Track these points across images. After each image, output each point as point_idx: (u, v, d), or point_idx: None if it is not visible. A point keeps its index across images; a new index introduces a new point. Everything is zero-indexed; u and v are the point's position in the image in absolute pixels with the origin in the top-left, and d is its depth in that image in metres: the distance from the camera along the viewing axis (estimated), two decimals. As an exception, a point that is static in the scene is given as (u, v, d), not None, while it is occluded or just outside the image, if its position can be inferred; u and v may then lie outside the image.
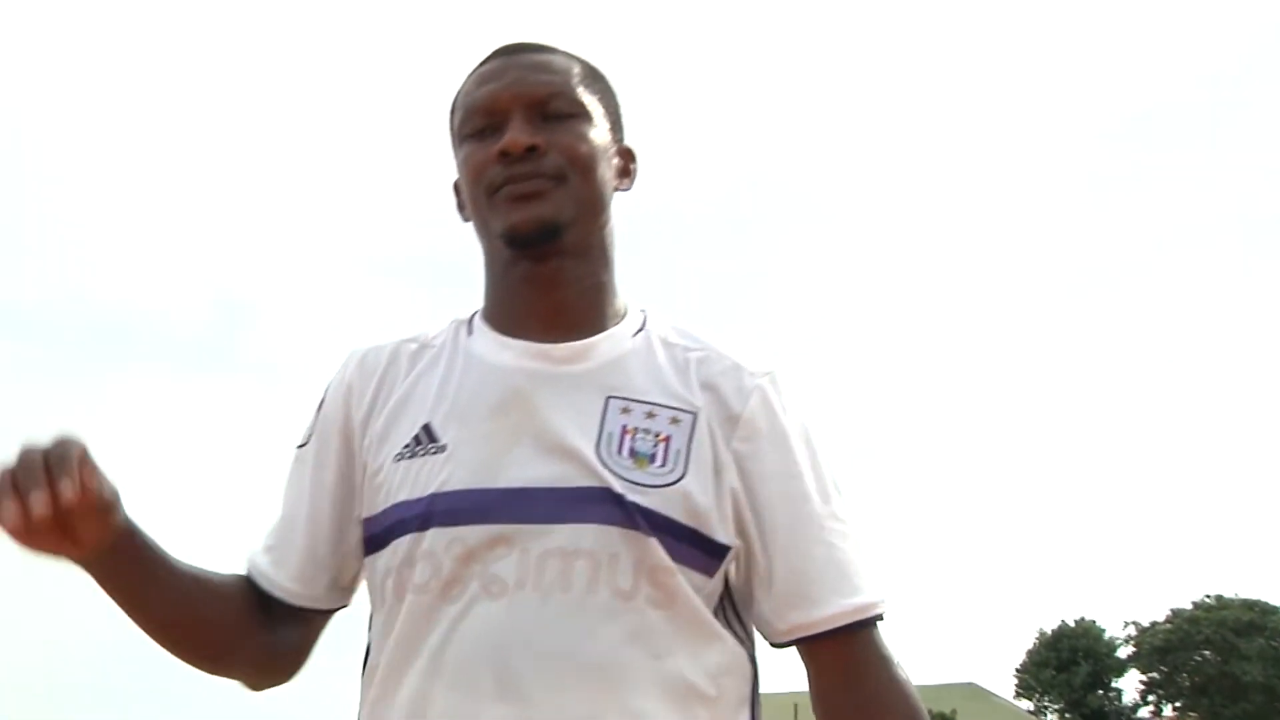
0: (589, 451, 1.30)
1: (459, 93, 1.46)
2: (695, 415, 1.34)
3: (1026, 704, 55.06)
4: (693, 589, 1.29)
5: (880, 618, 1.34)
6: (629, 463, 1.30)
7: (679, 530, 1.28)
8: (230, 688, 1.47)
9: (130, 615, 1.35)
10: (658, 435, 1.32)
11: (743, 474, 1.33)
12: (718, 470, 1.32)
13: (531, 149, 1.36)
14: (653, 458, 1.31)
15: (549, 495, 1.28)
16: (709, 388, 1.36)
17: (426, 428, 1.36)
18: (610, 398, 1.34)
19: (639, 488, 1.28)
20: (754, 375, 1.38)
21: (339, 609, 1.47)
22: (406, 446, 1.36)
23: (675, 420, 1.33)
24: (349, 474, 1.42)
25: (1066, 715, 52.78)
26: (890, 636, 1.34)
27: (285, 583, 1.43)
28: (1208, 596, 51.60)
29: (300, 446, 1.47)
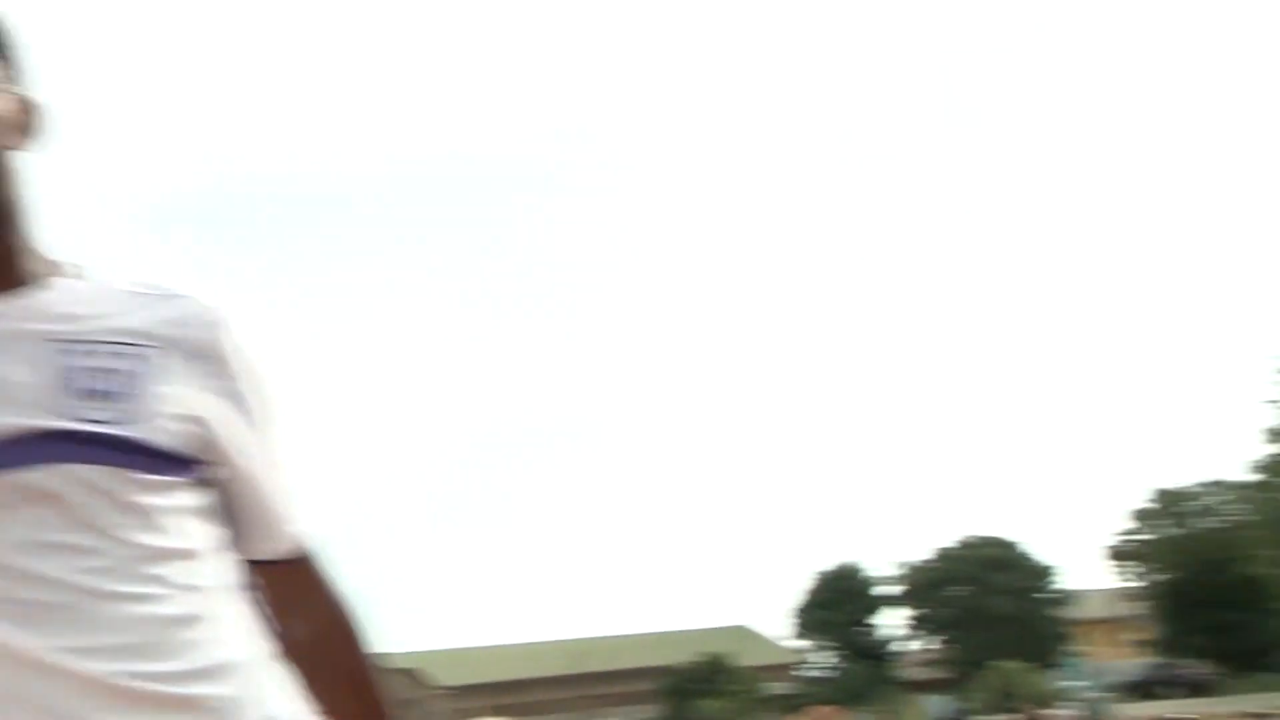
0: (40, 397, 1.26)
1: None
2: (156, 349, 1.33)
3: (801, 644, 57.08)
4: (167, 505, 1.30)
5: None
6: (87, 402, 1.27)
7: (145, 452, 1.28)
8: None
9: None
10: (113, 371, 1.30)
11: (207, 405, 1.35)
12: (182, 399, 1.32)
13: None
14: (109, 394, 1.28)
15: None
16: (171, 324, 1.36)
17: None
18: (57, 341, 1.30)
19: (99, 424, 1.26)
20: (213, 310, 1.40)
21: None
22: None
23: (132, 355, 1.32)
24: None
25: (842, 652, 54.93)
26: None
27: None
28: (967, 538, 54.34)
29: None
